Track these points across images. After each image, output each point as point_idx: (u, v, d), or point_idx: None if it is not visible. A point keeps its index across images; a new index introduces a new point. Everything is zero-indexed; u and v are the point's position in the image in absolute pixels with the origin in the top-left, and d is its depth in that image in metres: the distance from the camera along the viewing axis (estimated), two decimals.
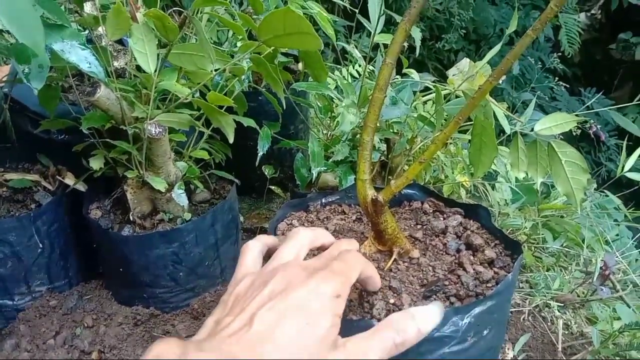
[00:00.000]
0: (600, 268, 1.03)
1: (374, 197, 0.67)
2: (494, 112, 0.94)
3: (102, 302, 1.05)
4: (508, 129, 1.00)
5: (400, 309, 0.62)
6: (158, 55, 0.83)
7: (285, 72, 1.00)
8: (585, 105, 1.55)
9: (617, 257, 1.40)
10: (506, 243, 0.73)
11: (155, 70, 0.82)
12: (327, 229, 0.79)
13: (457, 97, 1.03)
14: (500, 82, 1.10)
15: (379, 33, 1.02)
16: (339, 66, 1.25)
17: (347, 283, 0.41)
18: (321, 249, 0.54)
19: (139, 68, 0.85)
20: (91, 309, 1.03)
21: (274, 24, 0.68)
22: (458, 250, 0.73)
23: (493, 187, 1.33)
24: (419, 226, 0.79)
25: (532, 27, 0.58)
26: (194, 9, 0.78)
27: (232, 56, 0.88)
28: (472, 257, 0.71)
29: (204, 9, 1.00)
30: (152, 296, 0.99)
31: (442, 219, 0.80)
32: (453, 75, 1.11)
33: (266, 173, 1.20)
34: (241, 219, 1.29)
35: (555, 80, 2.46)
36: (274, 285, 0.38)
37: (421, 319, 0.43)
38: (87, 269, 1.10)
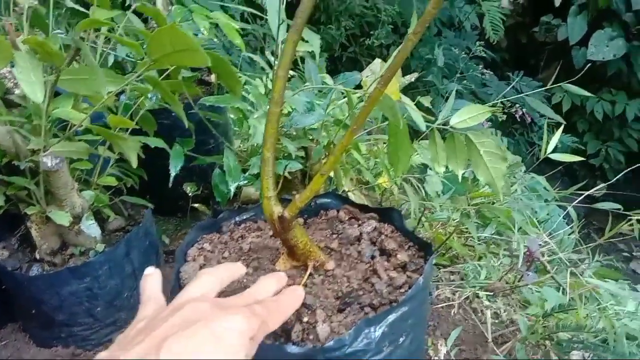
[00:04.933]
0: (524, 253, 1.05)
1: (279, 215, 0.65)
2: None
3: (19, 346, 0.98)
4: (423, 127, 1.00)
5: (314, 327, 0.61)
6: (46, 82, 0.78)
7: (192, 87, 0.97)
8: (510, 86, 1.58)
9: (545, 238, 1.44)
10: (419, 244, 0.73)
11: (44, 99, 0.77)
12: (241, 248, 0.76)
13: None
14: (409, 79, 1.11)
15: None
16: (257, 75, 1.23)
17: (263, 329, 0.38)
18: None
19: None
20: (7, 355, 0.96)
21: (161, 43, 0.65)
22: (372, 257, 0.72)
23: (421, 181, 1.34)
24: (334, 235, 0.78)
25: (413, 30, 0.57)
26: (78, 31, 0.74)
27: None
28: (386, 263, 0.70)
29: (100, 29, 0.95)
30: (71, 335, 0.93)
31: (356, 226, 0.78)
32: (366, 76, 1.11)
33: (188, 191, 1.15)
34: (167, 240, 1.24)
35: (480, 68, 2.52)
36: (185, 315, 0.34)
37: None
38: (0, 312, 1.03)
